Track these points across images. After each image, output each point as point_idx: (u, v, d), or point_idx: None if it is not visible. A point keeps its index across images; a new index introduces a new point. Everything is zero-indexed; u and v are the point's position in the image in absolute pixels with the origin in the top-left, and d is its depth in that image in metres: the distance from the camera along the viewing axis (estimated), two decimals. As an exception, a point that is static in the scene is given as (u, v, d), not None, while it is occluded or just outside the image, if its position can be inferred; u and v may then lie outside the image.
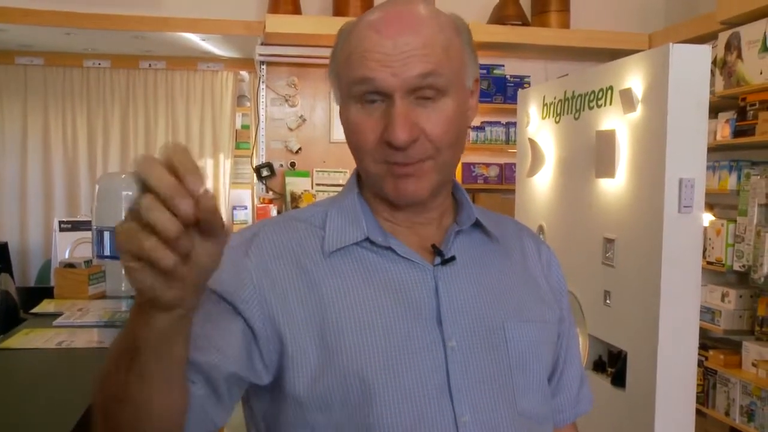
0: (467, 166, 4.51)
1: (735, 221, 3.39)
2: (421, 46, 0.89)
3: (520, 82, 4.46)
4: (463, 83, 0.95)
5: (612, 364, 2.57)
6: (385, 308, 0.92)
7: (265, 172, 4.56)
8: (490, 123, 4.50)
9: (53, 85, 5.23)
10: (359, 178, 1.02)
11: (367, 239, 0.96)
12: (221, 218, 0.66)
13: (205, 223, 0.64)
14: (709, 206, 3.75)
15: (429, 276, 0.95)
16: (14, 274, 4.45)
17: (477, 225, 1.02)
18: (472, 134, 4.48)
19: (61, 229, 4.52)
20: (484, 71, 4.48)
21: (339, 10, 4.33)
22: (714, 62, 3.60)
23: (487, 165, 4.53)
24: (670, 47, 2.18)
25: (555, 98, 2.92)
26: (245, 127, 5.83)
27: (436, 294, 0.95)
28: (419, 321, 0.93)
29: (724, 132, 3.56)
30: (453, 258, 0.97)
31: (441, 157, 0.93)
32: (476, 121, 4.54)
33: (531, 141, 3.08)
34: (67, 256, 3.80)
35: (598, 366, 2.63)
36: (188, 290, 0.68)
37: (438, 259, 0.96)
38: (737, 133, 3.45)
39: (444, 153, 0.93)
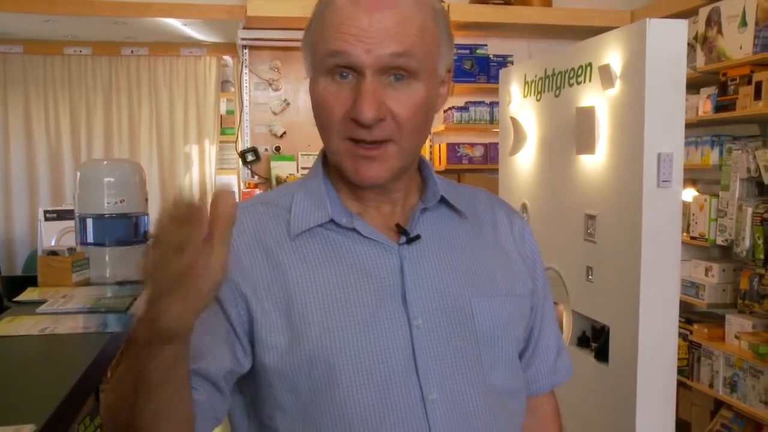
0: (452, 147, 4.51)
1: (718, 196, 3.42)
2: (396, 24, 0.88)
3: (504, 62, 4.45)
4: (436, 69, 0.95)
5: (596, 339, 2.60)
6: (349, 289, 0.93)
7: (250, 157, 4.55)
8: (474, 103, 4.50)
9: (33, 73, 5.18)
10: (326, 160, 1.01)
11: (332, 221, 0.96)
12: (225, 231, 0.73)
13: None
14: (692, 181, 3.77)
15: (394, 255, 0.96)
16: (0, 265, 4.43)
17: (444, 201, 1.02)
18: (456, 114, 4.47)
19: (47, 219, 4.50)
20: (467, 51, 4.47)
21: (320, -8, 4.30)
22: (695, 38, 3.61)
23: (472, 145, 4.54)
24: (646, 22, 2.18)
25: (536, 76, 2.92)
26: (230, 112, 5.81)
27: (401, 273, 0.95)
28: (384, 301, 0.93)
29: (705, 107, 3.58)
30: (418, 237, 0.97)
31: (404, 142, 0.92)
32: (460, 101, 4.54)
33: (513, 119, 3.09)
34: (52, 244, 3.78)
35: (582, 341, 2.66)
36: (196, 315, 0.74)
37: (403, 239, 0.97)
38: (719, 108, 3.47)
39: (407, 137, 0.92)
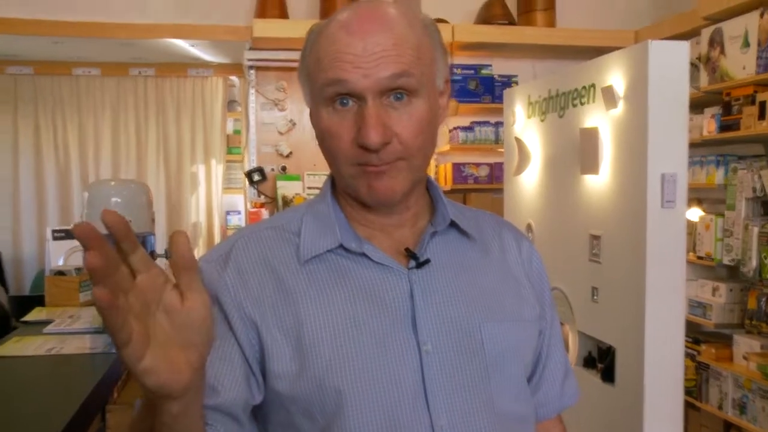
0: (457, 167, 4.52)
1: (723, 215, 3.41)
2: (392, 47, 0.89)
3: (508, 82, 4.48)
4: (434, 83, 0.95)
5: (601, 360, 2.59)
6: (359, 315, 0.93)
7: (256, 177, 4.58)
8: (479, 123, 4.52)
9: (43, 94, 5.24)
10: (333, 183, 1.01)
11: (341, 246, 0.96)
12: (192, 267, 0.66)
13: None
14: (698, 201, 3.77)
15: (404, 280, 0.95)
16: (8, 284, 4.46)
17: (453, 225, 1.01)
18: (461, 134, 4.49)
19: (54, 238, 4.51)
20: (472, 71, 4.50)
21: (326, 13, 4.35)
22: (698, 58, 3.63)
23: (477, 165, 4.55)
24: (648, 44, 2.20)
25: (540, 97, 2.94)
26: (237, 132, 5.84)
27: (411, 298, 0.94)
28: (394, 326, 0.93)
29: (710, 127, 3.59)
30: (428, 261, 0.97)
31: (414, 159, 0.93)
32: (465, 122, 4.56)
33: (517, 140, 3.10)
34: (61, 265, 3.80)
35: (588, 362, 2.65)
36: (195, 369, 0.69)
37: (413, 263, 0.96)
38: (723, 127, 3.47)
39: (416, 155, 0.93)
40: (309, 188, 4.56)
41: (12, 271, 4.98)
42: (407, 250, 0.97)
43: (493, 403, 0.95)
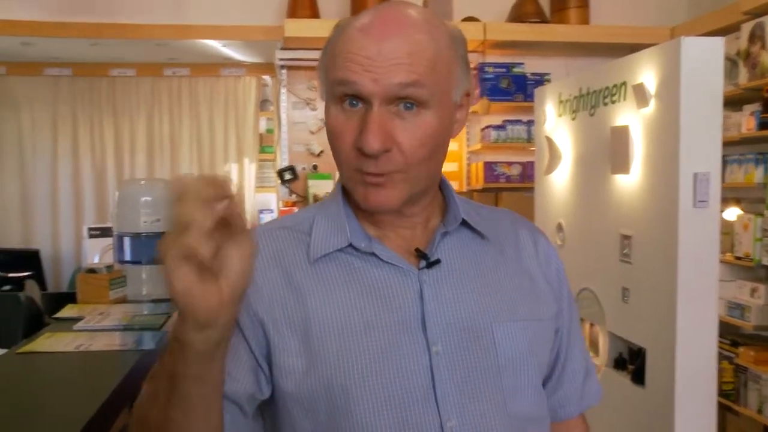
0: (489, 166, 4.49)
1: (763, 215, 3.33)
2: (406, 55, 0.87)
3: (541, 80, 4.43)
4: (449, 97, 0.93)
5: (633, 362, 2.54)
6: (368, 314, 0.92)
7: (287, 176, 4.60)
8: (511, 122, 4.48)
9: (81, 94, 5.34)
10: (344, 187, 1.01)
11: (351, 245, 0.95)
12: (244, 219, 0.73)
13: (231, 220, 0.72)
14: (736, 200, 3.69)
15: (414, 280, 0.95)
16: (47, 281, 4.55)
17: (465, 224, 1.00)
18: (493, 133, 4.46)
19: (90, 236, 4.61)
20: (504, 69, 4.46)
21: (356, 13, 4.33)
22: (738, 53, 3.54)
23: (509, 164, 4.51)
24: (680, 41, 2.15)
25: (571, 95, 2.90)
26: (270, 131, 5.88)
27: (420, 298, 0.94)
28: (403, 326, 0.92)
29: (749, 124, 3.50)
30: (438, 261, 0.96)
31: (412, 172, 0.91)
32: (497, 120, 4.53)
33: (548, 139, 3.07)
34: (96, 262, 3.87)
35: (619, 363, 2.60)
36: (223, 301, 0.73)
37: (423, 263, 0.96)
38: (762, 125, 3.39)
39: (415, 168, 0.91)
40: (340, 187, 4.56)
41: (51, 268, 5.09)
42: (417, 250, 0.97)
43: (506, 404, 0.94)
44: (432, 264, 0.96)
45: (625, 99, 2.46)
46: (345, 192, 1.01)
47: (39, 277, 4.39)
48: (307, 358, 0.91)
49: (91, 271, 2.46)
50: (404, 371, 0.90)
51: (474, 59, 4.58)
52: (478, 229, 1.01)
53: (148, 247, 2.53)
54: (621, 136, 2.44)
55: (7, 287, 3.75)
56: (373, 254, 0.95)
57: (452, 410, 0.91)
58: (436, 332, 0.93)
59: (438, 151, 0.94)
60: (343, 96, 0.90)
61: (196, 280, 0.71)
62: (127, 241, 2.55)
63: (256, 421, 0.97)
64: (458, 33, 0.95)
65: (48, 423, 1.38)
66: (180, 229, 0.69)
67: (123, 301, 2.53)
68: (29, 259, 4.46)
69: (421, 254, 0.96)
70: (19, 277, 4.27)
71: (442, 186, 1.04)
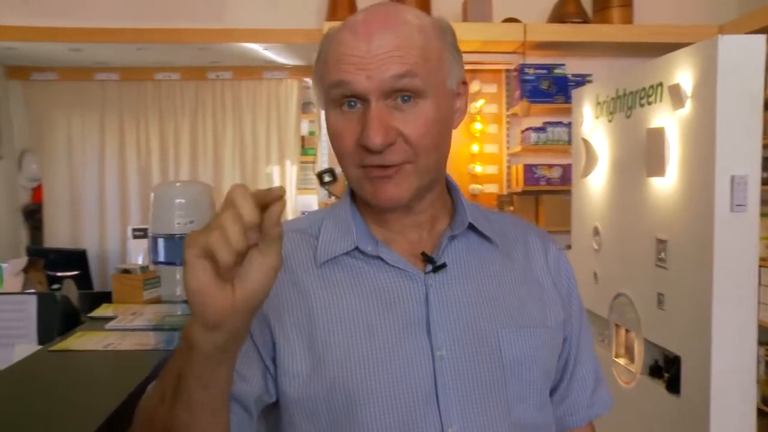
0: (529, 168, 4.43)
1: (810, 219, 3.21)
2: (395, 48, 0.88)
3: (582, 81, 4.35)
4: (445, 85, 0.94)
5: (668, 370, 2.48)
6: (373, 317, 0.93)
7: (326, 178, 4.61)
8: (552, 123, 4.42)
9: (128, 98, 5.46)
10: (353, 192, 1.02)
11: (357, 249, 0.96)
12: (278, 230, 0.73)
13: (266, 228, 0.72)
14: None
15: (419, 284, 0.95)
16: (93, 280, 4.67)
17: (473, 228, 1.00)
18: (533, 135, 4.40)
19: (134, 236, 4.73)
20: (545, 71, 4.40)
21: (396, 15, 4.35)
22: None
23: (550, 166, 4.45)
24: (718, 39, 2.09)
25: (608, 96, 2.84)
26: (312, 133, 5.93)
27: (426, 302, 0.94)
28: (408, 330, 0.92)
29: (798, 126, 3.38)
30: (444, 265, 0.96)
31: (421, 161, 0.91)
32: (538, 122, 4.47)
33: (584, 141, 3.01)
34: (140, 262, 3.95)
35: (654, 371, 2.54)
36: (235, 308, 0.73)
37: (429, 267, 0.95)
38: (811, 126, 3.26)
39: (423, 156, 0.91)
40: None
41: (98, 268, 5.22)
42: (423, 254, 0.96)
43: (509, 410, 0.94)
44: (438, 268, 0.96)
45: (661, 100, 2.41)
46: (354, 196, 1.01)
47: (86, 277, 4.51)
48: (311, 361, 0.91)
49: (126, 271, 2.51)
50: (407, 374, 0.91)
51: (514, 60, 4.54)
52: (486, 234, 1.00)
53: (181, 249, 2.57)
54: (656, 138, 2.38)
55: (56, 286, 3.86)
56: (379, 258, 0.95)
57: (454, 416, 0.91)
58: (440, 336, 0.93)
59: (442, 141, 0.94)
60: (341, 98, 0.91)
61: (212, 281, 0.70)
62: (161, 242, 2.60)
63: (260, 422, 0.98)
64: (445, 23, 0.97)
65: (68, 418, 1.41)
66: (209, 229, 0.69)
67: (157, 301, 2.58)
68: (77, 259, 4.58)
69: (427, 258, 0.96)
70: (67, 276, 4.40)
71: (451, 189, 1.04)
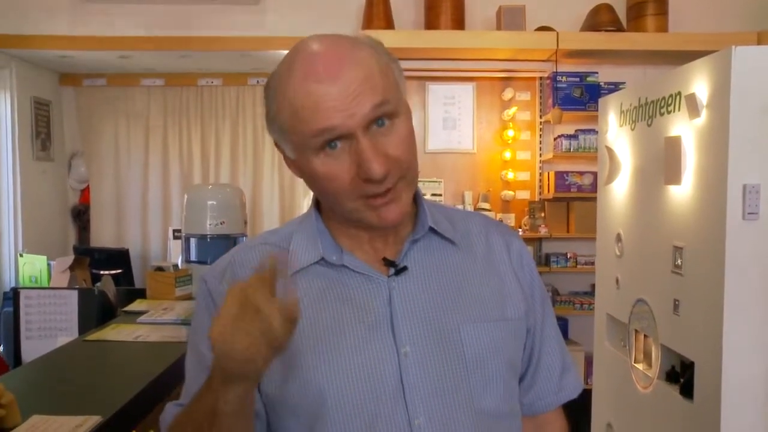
0: (560, 175, 4.46)
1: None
2: (363, 80, 0.91)
3: (615, 89, 4.36)
4: (404, 96, 1.00)
5: (684, 375, 2.50)
6: (341, 320, 1.00)
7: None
8: (584, 131, 4.44)
9: (172, 103, 5.65)
10: (318, 203, 1.08)
11: (323, 259, 1.03)
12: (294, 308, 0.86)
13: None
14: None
15: (383, 287, 1.02)
16: (135, 279, 4.85)
17: (434, 231, 1.06)
18: (564, 142, 4.43)
19: (175, 237, 4.90)
20: (577, 79, 4.43)
21: (431, 23, 4.44)
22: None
23: (581, 173, 4.46)
24: (732, 49, 2.12)
25: (631, 105, 2.87)
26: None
27: (389, 304, 1.00)
28: (373, 331, 0.99)
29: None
30: (405, 268, 1.02)
31: (410, 174, 0.98)
32: (570, 129, 4.49)
33: (608, 148, 3.05)
34: (179, 262, 4.09)
35: (671, 376, 2.56)
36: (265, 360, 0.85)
37: (392, 270, 1.02)
38: None
39: (412, 169, 0.98)
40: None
41: (140, 266, 5.41)
42: (385, 258, 1.03)
43: (472, 401, 1.00)
44: (400, 271, 1.02)
45: (679, 109, 2.43)
46: (318, 209, 1.08)
47: (127, 275, 4.69)
48: (285, 365, 0.98)
49: (159, 269, 2.65)
50: (374, 371, 0.98)
51: (547, 68, 4.57)
52: (446, 235, 1.07)
53: (213, 248, 2.70)
54: (674, 146, 2.41)
55: (98, 284, 4.05)
56: (344, 266, 1.02)
57: (420, 408, 0.97)
58: (404, 335, 0.99)
59: (416, 148, 1.01)
60: (325, 143, 0.93)
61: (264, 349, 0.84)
62: (193, 242, 2.73)
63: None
64: (374, 40, 1.01)
65: (95, 400, 1.52)
66: (251, 308, 0.85)
67: (188, 297, 2.70)
68: (120, 258, 4.77)
69: (388, 262, 1.03)
70: (110, 274, 4.58)
71: (415, 195, 1.08)
